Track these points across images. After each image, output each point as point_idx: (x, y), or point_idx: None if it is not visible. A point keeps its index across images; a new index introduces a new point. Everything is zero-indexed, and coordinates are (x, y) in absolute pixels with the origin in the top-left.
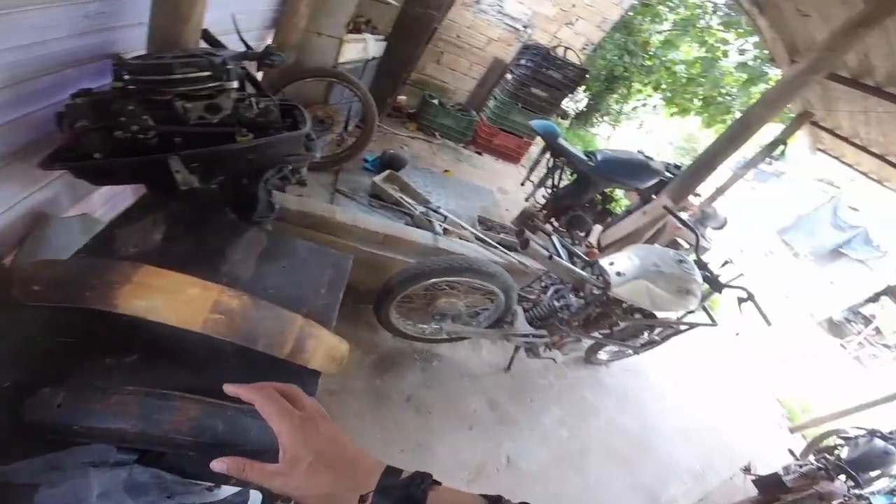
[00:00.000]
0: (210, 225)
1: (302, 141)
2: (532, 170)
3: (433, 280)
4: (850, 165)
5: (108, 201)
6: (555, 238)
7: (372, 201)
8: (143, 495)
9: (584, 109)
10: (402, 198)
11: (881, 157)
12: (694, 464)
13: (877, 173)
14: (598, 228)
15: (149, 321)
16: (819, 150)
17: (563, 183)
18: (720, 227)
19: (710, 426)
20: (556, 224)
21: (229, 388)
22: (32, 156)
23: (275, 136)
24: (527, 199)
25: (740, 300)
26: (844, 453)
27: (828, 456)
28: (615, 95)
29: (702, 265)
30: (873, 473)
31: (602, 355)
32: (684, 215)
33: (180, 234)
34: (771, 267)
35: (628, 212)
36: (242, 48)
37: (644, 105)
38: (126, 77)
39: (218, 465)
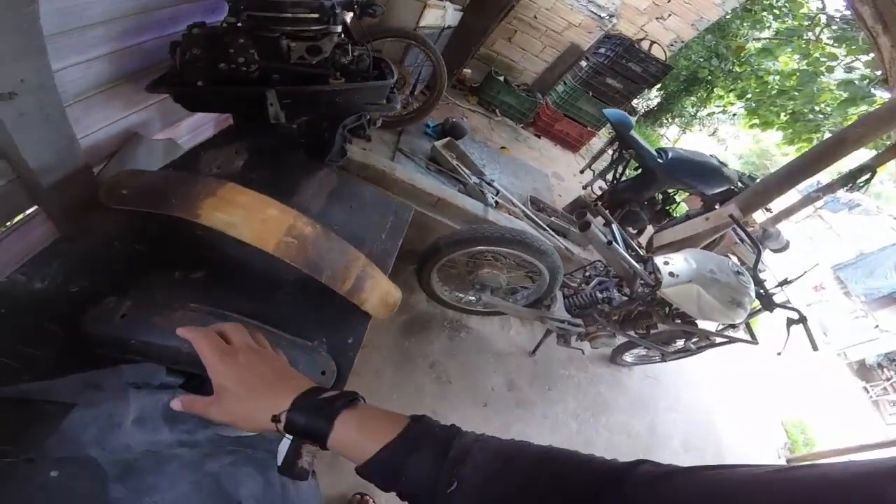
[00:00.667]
0: (287, 160)
1: (385, 92)
2: (595, 159)
3: (482, 248)
4: None
5: (191, 131)
6: (614, 226)
7: (430, 165)
8: (181, 423)
9: (655, 108)
10: (458, 165)
11: None
12: None
13: None
14: (649, 230)
15: (221, 240)
16: None
17: (625, 177)
18: (781, 250)
19: (714, 444)
20: (609, 217)
21: (181, 331)
22: (139, 80)
23: (363, 83)
24: (584, 187)
25: (791, 321)
26: None
27: None
28: (692, 98)
29: (758, 281)
30: None
31: (628, 357)
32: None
33: (259, 164)
34: (817, 301)
35: (688, 216)
36: None
37: (723, 112)
38: (240, 12)
39: (174, 404)
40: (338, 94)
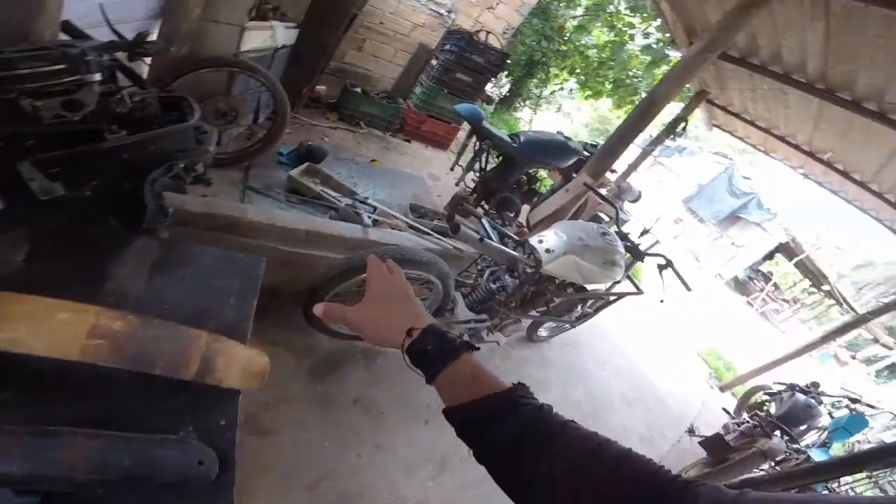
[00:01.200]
0: (87, 238)
1: (189, 135)
2: (460, 154)
3: (363, 275)
4: (741, 139)
5: None
6: (485, 221)
7: (290, 197)
8: None
9: (507, 94)
10: (323, 191)
11: (766, 131)
12: (642, 429)
13: (763, 145)
14: (526, 208)
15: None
16: (715, 125)
17: (491, 166)
18: (636, 200)
19: (650, 391)
20: (486, 206)
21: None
22: None
23: (152, 131)
24: (457, 184)
25: (660, 267)
26: (773, 409)
27: (759, 413)
28: (535, 80)
29: (623, 236)
30: (802, 427)
31: (542, 332)
32: (603, 191)
33: (50, 252)
34: (681, 233)
35: (553, 191)
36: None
37: (561, 89)
38: None
39: (317, 309)
40: (123, 150)
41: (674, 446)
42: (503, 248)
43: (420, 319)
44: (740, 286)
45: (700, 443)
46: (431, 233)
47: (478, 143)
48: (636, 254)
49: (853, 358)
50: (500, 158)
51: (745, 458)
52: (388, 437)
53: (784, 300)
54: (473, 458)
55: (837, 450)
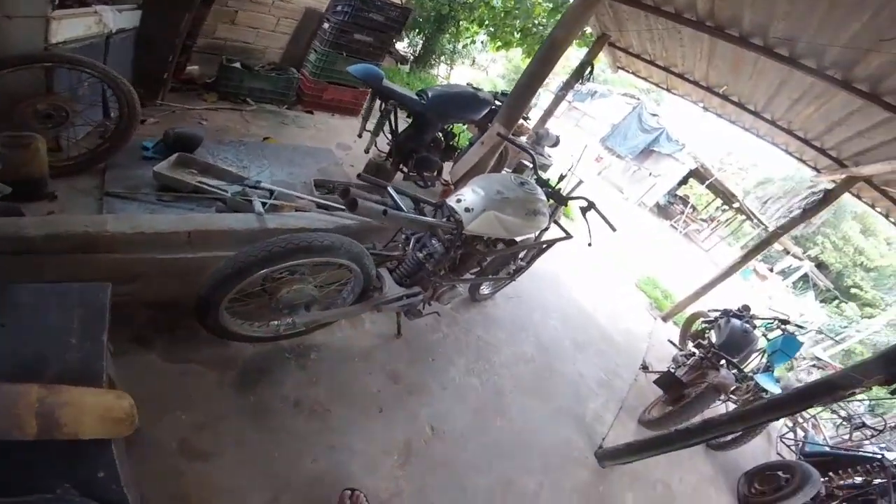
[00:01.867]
0: None
1: None
2: (366, 119)
3: (259, 273)
4: (644, 78)
5: None
6: (391, 189)
7: (162, 196)
8: None
9: (422, 52)
10: (202, 182)
11: (666, 69)
12: (599, 374)
13: (665, 83)
14: (449, 165)
15: None
16: (619, 67)
17: (404, 127)
18: (555, 145)
19: (598, 332)
20: (405, 170)
21: None
22: None
23: None
24: (366, 151)
25: (583, 210)
26: (713, 337)
27: (702, 343)
28: (447, 35)
29: (543, 183)
30: (742, 353)
31: (485, 290)
32: (522, 139)
33: None
34: (603, 169)
35: (471, 144)
36: None
37: (473, 42)
38: None
39: None
40: None
41: (632, 386)
42: (413, 216)
43: None
44: (663, 211)
45: (654, 382)
46: (344, 208)
47: (383, 105)
48: (558, 198)
49: (771, 271)
50: (411, 118)
51: (700, 394)
52: (341, 435)
53: (702, 220)
54: (437, 437)
55: (781, 371)
